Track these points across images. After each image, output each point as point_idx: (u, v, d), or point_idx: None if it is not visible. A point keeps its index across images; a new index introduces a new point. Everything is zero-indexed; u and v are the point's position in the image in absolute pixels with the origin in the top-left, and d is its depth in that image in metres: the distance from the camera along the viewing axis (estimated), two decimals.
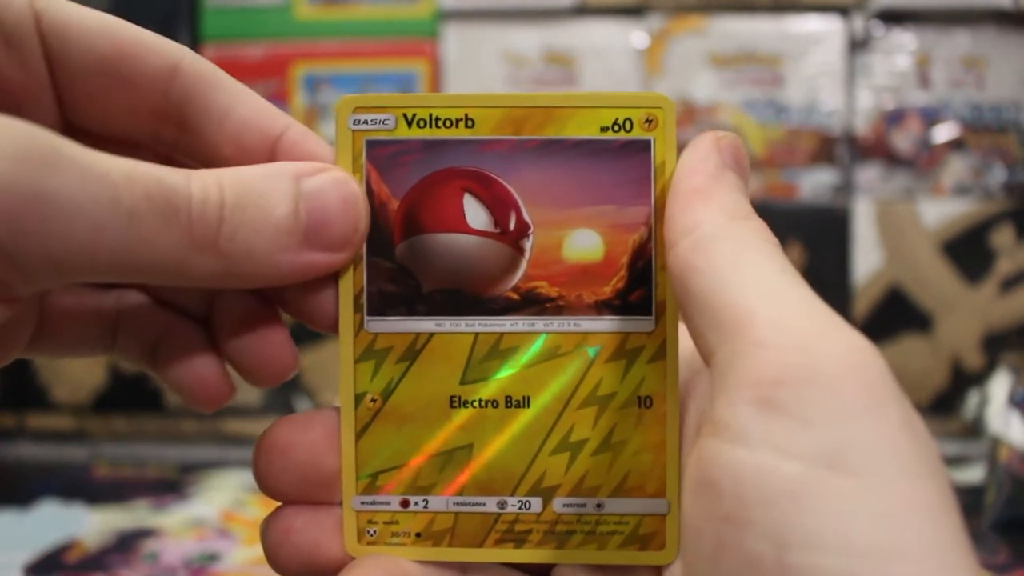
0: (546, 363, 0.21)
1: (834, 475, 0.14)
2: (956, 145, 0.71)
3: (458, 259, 0.21)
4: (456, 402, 0.21)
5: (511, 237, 0.21)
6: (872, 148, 0.71)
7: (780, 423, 0.14)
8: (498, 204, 0.21)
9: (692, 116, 0.72)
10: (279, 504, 0.21)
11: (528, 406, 0.21)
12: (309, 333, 0.78)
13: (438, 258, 0.21)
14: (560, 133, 0.20)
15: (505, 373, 0.21)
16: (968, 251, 0.69)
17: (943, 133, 0.71)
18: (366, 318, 0.21)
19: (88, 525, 0.55)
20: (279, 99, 0.74)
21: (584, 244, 0.21)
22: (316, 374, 0.71)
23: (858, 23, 0.71)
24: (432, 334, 0.21)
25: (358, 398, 0.21)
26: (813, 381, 0.14)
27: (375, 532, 0.21)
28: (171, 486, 0.63)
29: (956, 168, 0.71)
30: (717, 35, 0.72)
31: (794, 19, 0.72)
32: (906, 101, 0.71)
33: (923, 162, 0.71)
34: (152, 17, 0.74)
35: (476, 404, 0.21)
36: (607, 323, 0.21)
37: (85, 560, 0.50)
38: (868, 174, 0.71)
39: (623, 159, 0.20)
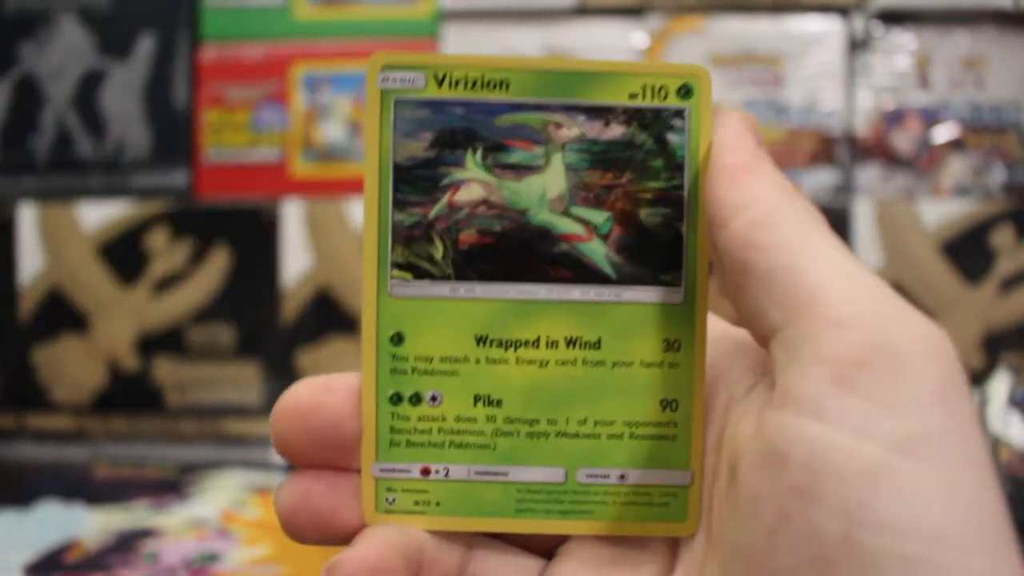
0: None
1: (910, 461, 0.14)
2: (956, 145, 0.71)
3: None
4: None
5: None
6: (872, 148, 0.71)
7: (859, 405, 0.14)
8: None
9: None
10: (294, 468, 0.20)
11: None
12: (307, 333, 0.78)
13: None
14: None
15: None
16: (968, 251, 0.69)
17: (943, 133, 0.71)
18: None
19: (88, 525, 0.55)
20: (279, 99, 0.74)
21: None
22: (316, 374, 0.71)
23: (858, 23, 0.71)
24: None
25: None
26: (894, 367, 0.15)
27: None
28: (171, 486, 0.63)
29: (956, 168, 0.71)
30: (717, 35, 0.72)
31: (794, 19, 0.72)
32: (906, 101, 0.71)
33: (923, 162, 0.71)
34: (152, 17, 0.74)
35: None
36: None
37: (85, 560, 0.50)
38: (868, 174, 0.71)
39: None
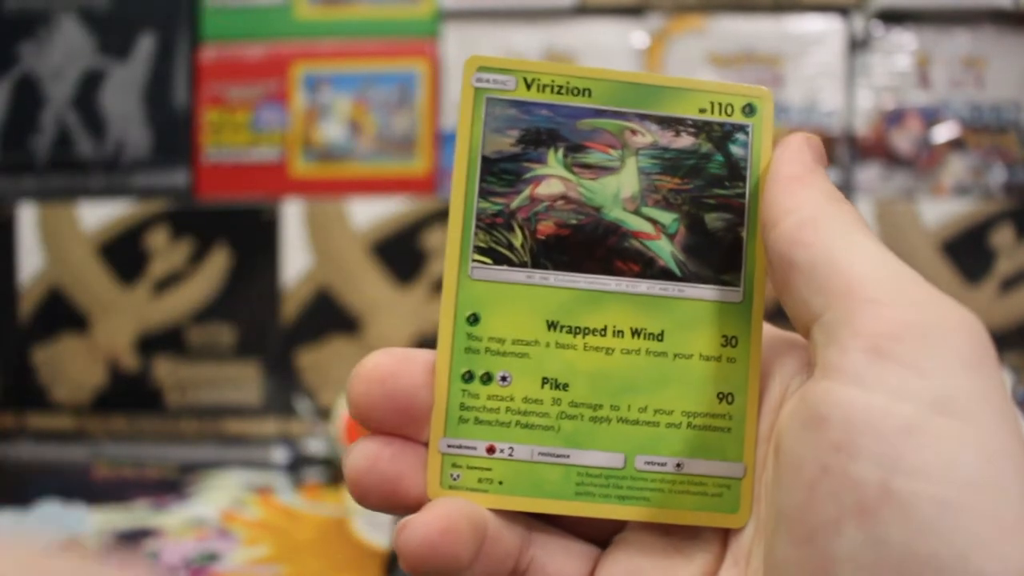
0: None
1: (944, 418, 0.15)
2: (956, 145, 0.71)
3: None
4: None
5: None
6: (872, 148, 0.71)
7: (894, 370, 0.15)
8: None
9: None
10: (367, 433, 0.20)
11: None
12: (308, 332, 0.78)
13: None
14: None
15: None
16: (968, 251, 0.69)
17: (943, 133, 0.71)
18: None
19: (88, 525, 0.55)
20: (279, 99, 0.74)
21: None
22: (316, 374, 0.71)
23: (858, 23, 0.71)
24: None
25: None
26: (926, 336, 0.16)
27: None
28: (171, 486, 0.63)
29: (956, 168, 0.71)
30: (717, 35, 0.72)
31: (794, 19, 0.72)
32: (906, 101, 0.71)
33: (923, 162, 0.71)
34: (152, 17, 0.74)
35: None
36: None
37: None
38: (868, 174, 0.71)
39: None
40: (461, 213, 0.21)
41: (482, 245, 0.22)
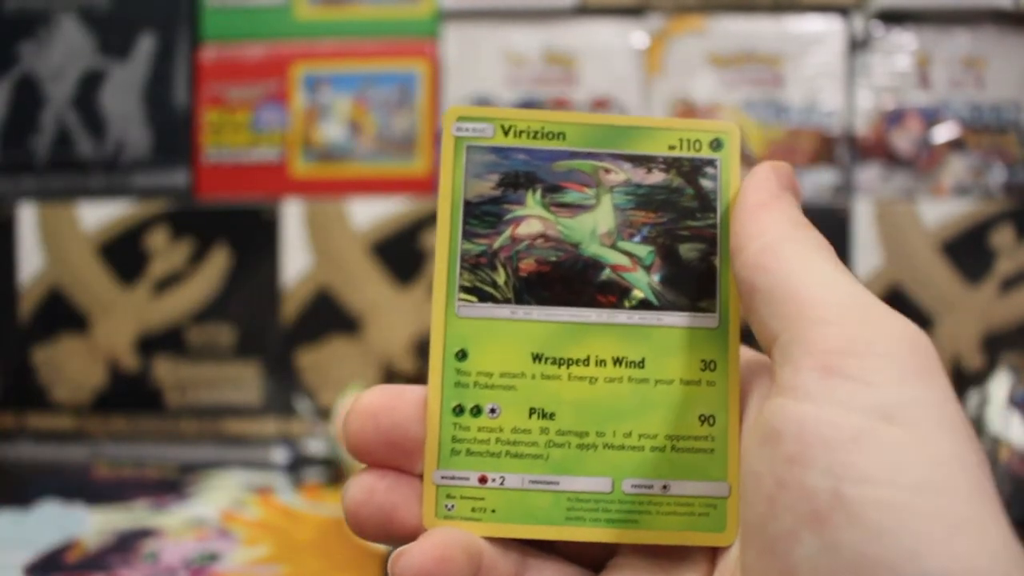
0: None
1: (890, 426, 0.15)
2: (956, 145, 0.71)
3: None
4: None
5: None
6: (872, 148, 0.71)
7: (842, 384, 0.16)
8: None
9: (692, 116, 0.72)
10: (364, 467, 0.21)
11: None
12: (308, 332, 0.78)
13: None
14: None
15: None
16: (968, 251, 0.69)
17: (943, 133, 0.71)
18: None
19: (88, 525, 0.55)
20: (279, 99, 0.74)
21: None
22: (316, 374, 0.71)
23: (858, 23, 0.71)
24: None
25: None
26: (872, 351, 0.16)
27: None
28: (171, 486, 0.63)
29: (956, 168, 0.71)
30: (717, 35, 0.72)
31: (794, 19, 0.72)
32: (906, 101, 0.71)
33: (923, 162, 0.71)
34: (152, 17, 0.74)
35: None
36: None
37: (85, 560, 0.50)
38: (868, 174, 0.71)
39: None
40: (446, 255, 0.23)
41: (467, 284, 0.23)
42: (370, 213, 0.71)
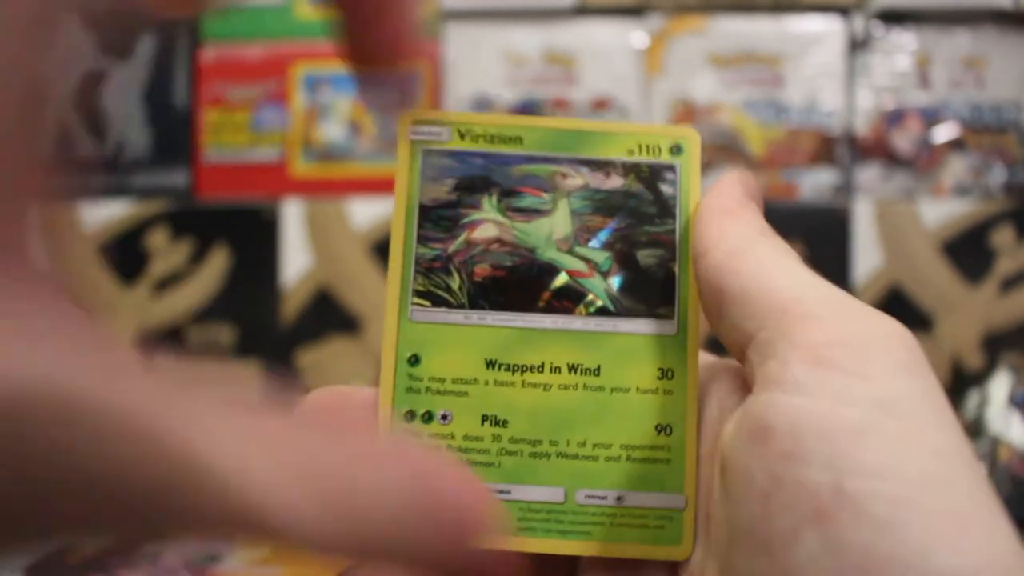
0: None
1: (890, 418, 0.15)
2: (956, 145, 0.71)
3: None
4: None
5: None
6: (872, 148, 0.71)
7: (836, 377, 0.16)
8: None
9: (692, 116, 0.72)
10: None
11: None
12: (308, 332, 0.78)
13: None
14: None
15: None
16: (968, 251, 0.69)
17: (943, 133, 0.71)
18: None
19: None
20: (279, 99, 0.74)
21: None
22: (316, 374, 0.71)
23: (858, 23, 0.71)
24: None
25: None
26: (864, 344, 0.16)
27: None
28: None
29: (956, 168, 0.71)
30: (717, 35, 0.72)
31: (794, 19, 0.72)
32: (906, 101, 0.71)
33: (923, 162, 0.71)
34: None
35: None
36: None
37: (85, 560, 0.50)
38: (868, 174, 0.71)
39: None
40: (400, 259, 0.22)
41: (421, 289, 0.22)
42: (370, 213, 0.71)
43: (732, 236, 0.19)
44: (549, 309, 0.22)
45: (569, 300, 0.22)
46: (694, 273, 0.20)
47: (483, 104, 0.73)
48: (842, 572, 0.14)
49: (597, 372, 0.22)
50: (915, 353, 0.17)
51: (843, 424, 0.15)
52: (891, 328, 0.17)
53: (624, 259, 0.23)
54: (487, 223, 0.23)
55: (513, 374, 0.22)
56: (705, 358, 0.22)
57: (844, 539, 0.14)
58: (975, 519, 0.14)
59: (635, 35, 0.73)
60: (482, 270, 0.22)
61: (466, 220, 0.23)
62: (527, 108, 0.73)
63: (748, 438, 0.17)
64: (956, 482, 0.15)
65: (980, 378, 0.68)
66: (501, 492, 0.22)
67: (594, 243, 0.23)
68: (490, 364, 0.22)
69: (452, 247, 0.23)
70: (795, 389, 0.16)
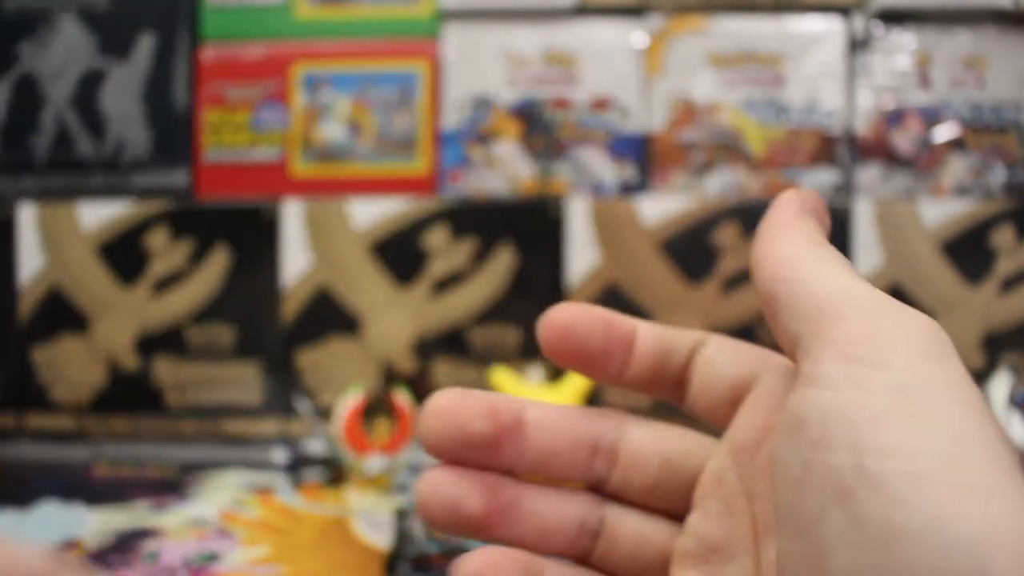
0: None
1: (909, 403, 0.16)
2: (956, 145, 0.71)
3: None
4: None
5: None
6: (872, 148, 0.71)
7: (861, 370, 0.17)
8: None
9: (692, 116, 0.72)
10: (436, 463, 0.23)
11: None
12: (308, 332, 0.78)
13: None
14: None
15: None
16: (968, 251, 0.69)
17: (943, 133, 0.71)
18: None
19: (88, 525, 0.55)
20: (279, 99, 0.74)
21: None
22: (316, 374, 0.71)
23: (858, 23, 0.71)
24: None
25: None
26: (888, 338, 0.17)
27: None
28: (171, 486, 0.63)
29: (956, 168, 0.71)
30: (717, 35, 0.72)
31: (794, 19, 0.72)
32: (906, 101, 0.71)
33: (923, 162, 0.71)
34: (152, 17, 0.74)
35: None
36: None
37: (85, 560, 0.50)
38: (868, 174, 0.71)
39: None
40: None
41: None
42: (370, 213, 0.71)
43: (783, 247, 0.20)
44: None
45: None
46: (754, 284, 0.21)
47: (483, 104, 0.73)
48: (864, 545, 0.15)
49: None
50: (940, 343, 0.17)
51: (865, 411, 0.16)
52: (916, 321, 0.18)
53: None
54: None
55: None
56: (785, 362, 0.23)
57: (865, 514, 0.15)
58: (989, 491, 0.15)
59: (635, 35, 0.73)
60: None
61: None
62: (527, 108, 0.73)
63: (785, 431, 0.18)
64: (972, 459, 0.15)
65: (980, 378, 0.68)
66: None
67: None
68: None
69: None
70: (825, 384, 0.17)
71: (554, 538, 0.22)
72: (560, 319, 0.23)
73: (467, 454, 0.22)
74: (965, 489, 0.15)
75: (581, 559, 0.23)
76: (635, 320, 0.23)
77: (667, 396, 0.24)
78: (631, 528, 0.23)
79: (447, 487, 0.22)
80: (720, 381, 0.23)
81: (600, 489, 0.23)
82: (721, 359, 0.23)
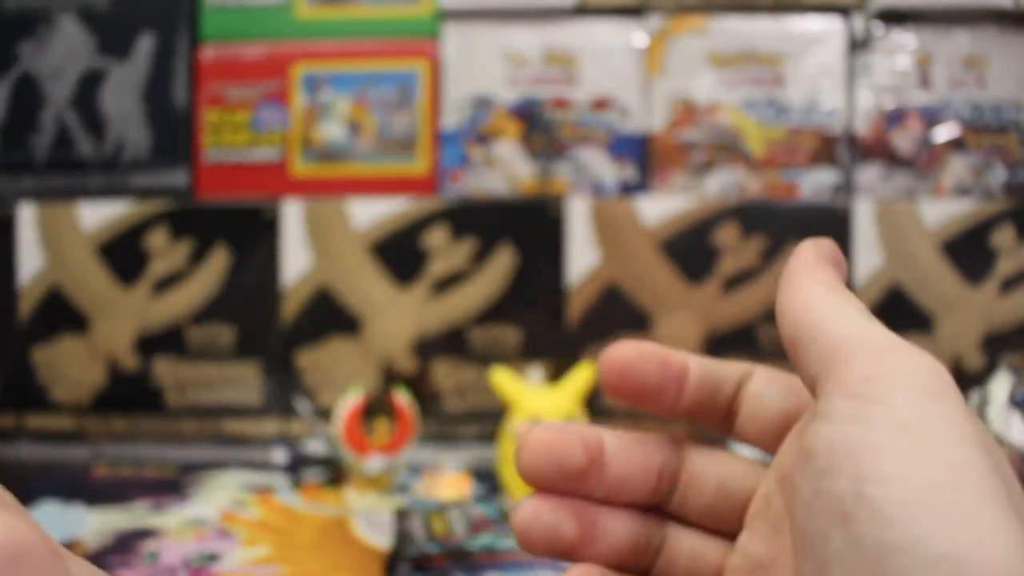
0: None
1: (907, 437, 0.18)
2: (956, 145, 0.71)
3: None
4: None
5: None
6: (872, 148, 0.71)
7: (866, 407, 0.19)
8: None
9: (692, 116, 0.72)
10: (532, 491, 0.24)
11: None
12: (308, 332, 0.78)
13: None
14: None
15: None
16: (968, 251, 0.69)
17: (943, 133, 0.71)
18: None
19: (88, 525, 0.55)
20: (279, 99, 0.74)
21: None
22: (316, 374, 0.71)
23: (858, 23, 0.71)
24: None
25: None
26: (893, 378, 0.19)
27: None
28: (171, 486, 0.62)
29: (956, 168, 0.71)
30: (717, 35, 0.72)
31: (794, 19, 0.72)
32: (906, 101, 0.71)
33: (923, 162, 0.71)
34: (152, 17, 0.74)
35: None
36: None
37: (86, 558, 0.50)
38: (868, 174, 0.71)
39: None
40: None
41: None
42: (370, 213, 0.71)
43: (803, 293, 0.22)
44: None
45: None
46: (780, 331, 0.23)
47: (483, 104, 0.73)
48: (859, 561, 0.17)
49: None
50: (940, 381, 0.19)
51: (867, 443, 0.18)
52: (920, 362, 0.19)
53: None
54: None
55: None
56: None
57: (861, 534, 0.17)
58: (977, 515, 0.16)
59: (635, 35, 0.72)
60: None
61: None
62: (527, 108, 0.73)
63: (801, 460, 0.20)
64: (964, 487, 0.17)
65: (980, 378, 0.68)
66: None
67: None
68: None
69: None
70: (834, 419, 0.19)
71: (624, 555, 0.24)
72: (618, 360, 0.24)
73: (561, 483, 0.24)
74: (954, 512, 0.16)
75: (643, 574, 0.25)
76: (686, 355, 0.25)
77: (716, 426, 0.26)
78: (688, 546, 0.25)
79: (546, 515, 0.24)
80: (766, 413, 0.25)
81: (661, 510, 0.25)
82: (767, 393, 0.25)
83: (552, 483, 0.24)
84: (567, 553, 0.24)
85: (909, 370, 0.19)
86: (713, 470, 0.25)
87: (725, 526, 0.25)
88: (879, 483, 0.17)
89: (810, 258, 0.23)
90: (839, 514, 0.18)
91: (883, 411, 0.18)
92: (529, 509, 0.24)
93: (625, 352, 0.24)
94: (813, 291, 0.22)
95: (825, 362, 0.20)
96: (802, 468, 0.19)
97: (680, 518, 0.25)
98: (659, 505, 0.25)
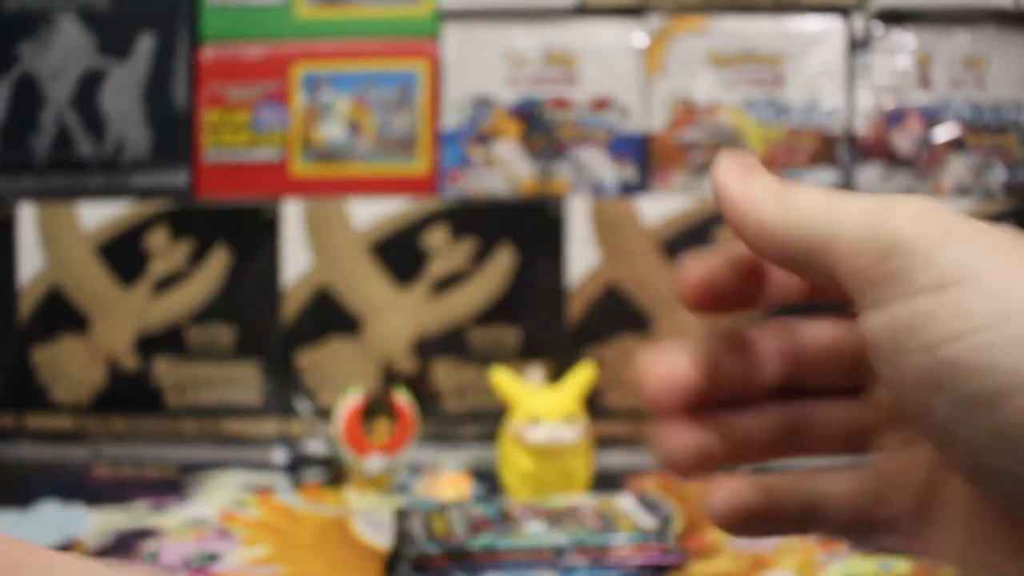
0: None
1: (958, 287, 0.17)
2: (956, 145, 0.71)
3: None
4: None
5: None
6: (872, 148, 0.71)
7: (894, 280, 0.18)
8: None
9: (692, 116, 0.72)
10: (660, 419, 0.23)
11: None
12: (308, 332, 0.78)
13: None
14: None
15: None
16: None
17: (943, 133, 0.71)
18: None
19: (88, 525, 0.55)
20: (279, 99, 0.74)
21: None
22: (316, 374, 0.71)
23: (858, 23, 0.71)
24: None
25: None
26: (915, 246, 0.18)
27: None
28: (171, 486, 0.62)
29: (956, 168, 0.71)
30: (717, 35, 0.72)
31: (794, 19, 0.72)
32: (906, 101, 0.71)
33: (923, 162, 0.71)
34: (152, 17, 0.74)
35: None
36: None
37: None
38: (868, 174, 0.71)
39: None
40: None
41: None
42: (370, 213, 0.71)
43: (763, 187, 0.21)
44: None
45: None
46: (745, 241, 0.21)
47: (483, 104, 0.73)
48: (972, 418, 0.17)
49: None
50: (950, 217, 0.18)
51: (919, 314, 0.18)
52: (918, 206, 0.19)
53: None
54: None
55: None
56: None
57: (958, 395, 0.17)
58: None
59: (635, 35, 0.72)
60: None
61: None
62: (527, 108, 0.73)
63: (870, 352, 0.19)
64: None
65: None
66: None
67: None
68: None
69: None
70: (879, 303, 0.18)
71: (759, 448, 0.23)
72: (692, 277, 0.23)
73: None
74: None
75: (780, 454, 0.24)
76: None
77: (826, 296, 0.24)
78: (821, 413, 0.24)
79: (690, 438, 0.23)
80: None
81: (784, 391, 0.24)
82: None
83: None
84: (718, 466, 0.23)
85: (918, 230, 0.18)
86: (824, 333, 0.24)
87: (849, 381, 0.24)
88: (949, 343, 0.17)
89: (735, 162, 0.22)
90: (929, 385, 0.18)
91: (921, 276, 0.18)
92: (671, 439, 0.23)
93: (698, 267, 0.23)
94: (771, 183, 0.21)
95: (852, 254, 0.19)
96: (874, 360, 0.19)
97: (801, 391, 0.24)
98: (782, 387, 0.24)
